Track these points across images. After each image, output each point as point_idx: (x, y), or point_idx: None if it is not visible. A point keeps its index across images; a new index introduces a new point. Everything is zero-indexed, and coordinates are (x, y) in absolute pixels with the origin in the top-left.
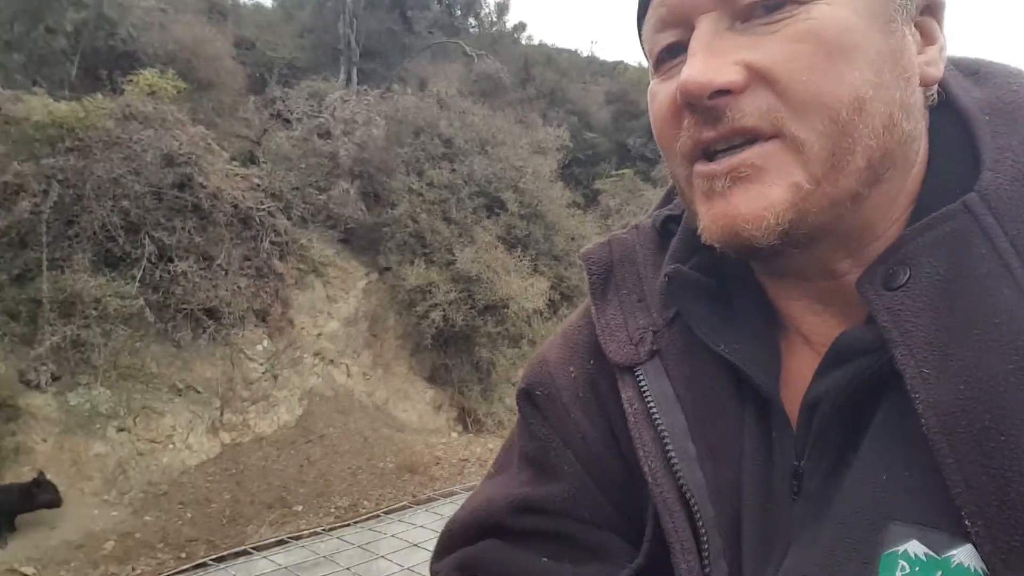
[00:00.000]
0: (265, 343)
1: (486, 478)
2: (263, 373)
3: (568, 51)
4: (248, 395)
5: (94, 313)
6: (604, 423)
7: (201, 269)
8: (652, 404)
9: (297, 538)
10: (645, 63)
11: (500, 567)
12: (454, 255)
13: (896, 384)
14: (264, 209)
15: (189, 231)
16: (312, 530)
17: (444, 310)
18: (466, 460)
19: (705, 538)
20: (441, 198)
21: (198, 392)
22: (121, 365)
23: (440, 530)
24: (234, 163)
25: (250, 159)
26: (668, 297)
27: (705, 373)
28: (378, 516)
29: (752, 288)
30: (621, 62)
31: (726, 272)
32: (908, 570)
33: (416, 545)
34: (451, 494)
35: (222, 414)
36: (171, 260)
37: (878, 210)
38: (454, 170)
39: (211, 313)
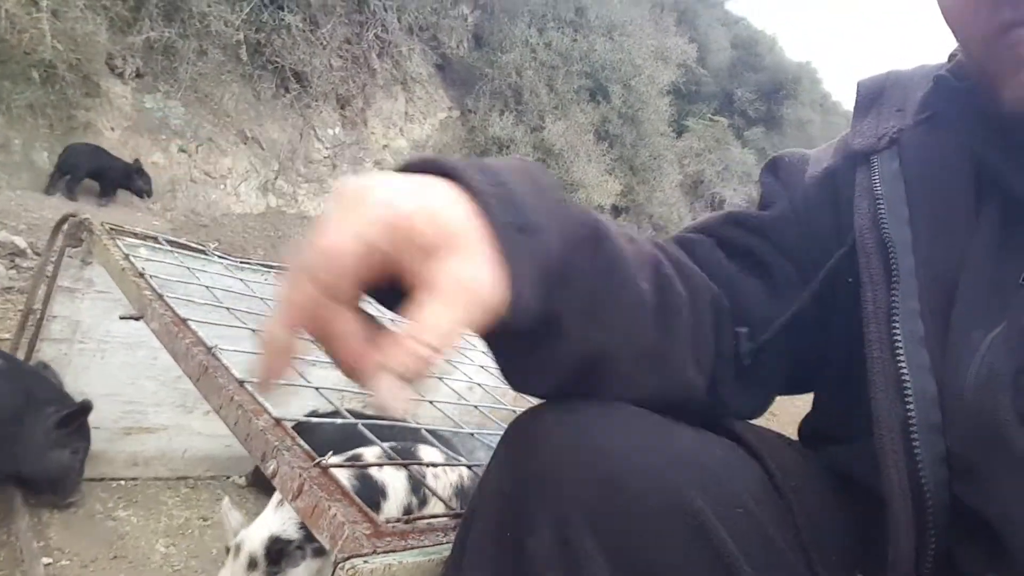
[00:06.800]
0: (337, 130)
1: None
2: (325, 157)
3: None
4: (304, 172)
5: (196, 26)
6: (830, 195)
7: (305, 31)
8: (876, 179)
9: None
10: (769, 32)
11: (704, 257)
12: (544, 123)
13: None
14: (381, 1)
15: None
16: None
17: None
18: None
19: (896, 278)
20: (552, 63)
21: (262, 148)
22: (202, 90)
23: None
24: None
25: None
26: (929, 100)
27: (941, 161)
28: None
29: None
30: (745, 19)
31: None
32: None
33: None
34: None
35: (276, 178)
36: (282, 8)
37: None
38: (575, 41)
39: (299, 78)
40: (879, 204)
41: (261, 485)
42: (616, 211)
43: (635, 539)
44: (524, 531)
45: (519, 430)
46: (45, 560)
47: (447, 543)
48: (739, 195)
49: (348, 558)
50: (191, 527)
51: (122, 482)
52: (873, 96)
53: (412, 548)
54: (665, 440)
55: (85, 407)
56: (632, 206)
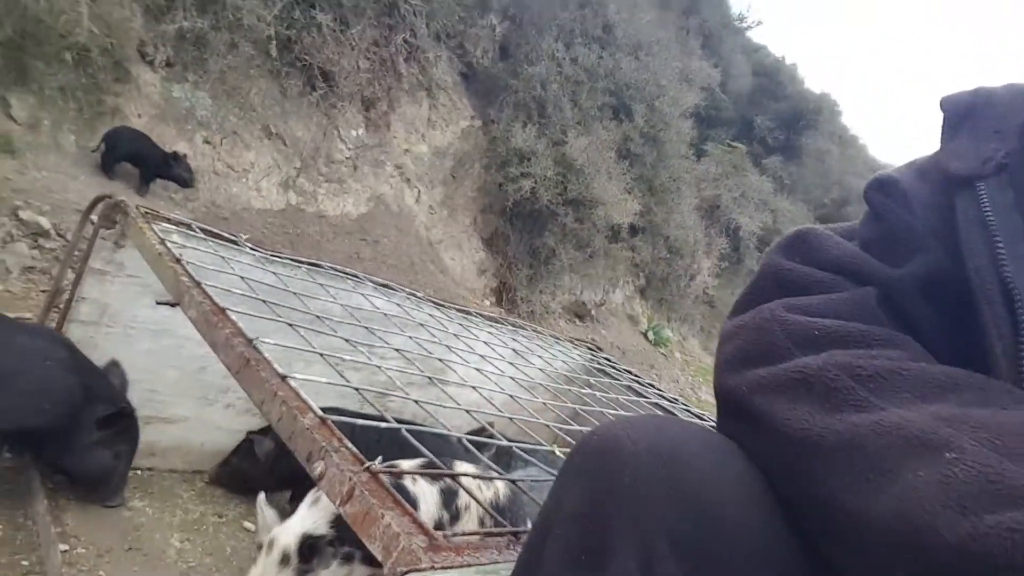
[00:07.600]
0: (360, 131)
1: None
2: (347, 158)
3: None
4: (326, 171)
5: (228, 19)
6: (944, 226)
7: (335, 31)
8: (988, 210)
9: None
10: (789, 60)
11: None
12: (567, 138)
13: None
14: (411, 3)
15: None
16: None
17: (536, 182)
18: None
19: (1023, 327)
20: (577, 79)
21: (285, 145)
22: (230, 83)
23: None
24: None
25: None
26: None
27: None
28: None
29: None
30: (765, 47)
31: None
32: None
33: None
34: None
35: (297, 176)
36: (313, 6)
37: None
38: (601, 57)
39: (326, 77)
40: (997, 242)
41: (225, 484)
42: (633, 231)
43: (717, 563)
44: (606, 554)
45: (595, 447)
46: (62, 547)
47: (503, 563)
48: (755, 222)
49: (407, 572)
50: (206, 523)
51: (138, 471)
52: (963, 114)
53: (469, 565)
54: (743, 460)
55: (124, 411)
56: (649, 227)
